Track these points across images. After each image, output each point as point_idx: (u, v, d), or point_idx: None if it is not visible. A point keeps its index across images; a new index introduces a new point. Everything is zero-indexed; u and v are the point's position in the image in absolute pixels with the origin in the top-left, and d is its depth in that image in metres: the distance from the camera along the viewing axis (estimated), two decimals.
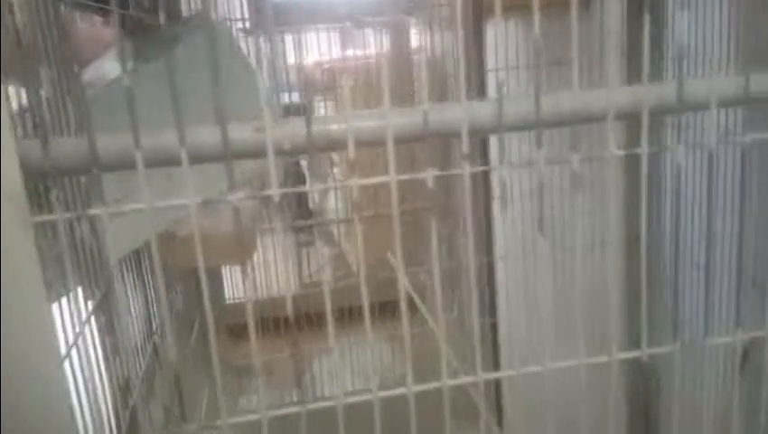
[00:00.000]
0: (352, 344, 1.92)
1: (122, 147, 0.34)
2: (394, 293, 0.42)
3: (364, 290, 0.39)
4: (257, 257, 2.10)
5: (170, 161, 0.35)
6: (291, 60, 1.97)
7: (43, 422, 0.36)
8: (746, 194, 0.39)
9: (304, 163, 2.19)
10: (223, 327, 1.73)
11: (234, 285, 1.95)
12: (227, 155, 0.35)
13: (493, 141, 1.29)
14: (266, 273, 2.02)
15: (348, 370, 1.97)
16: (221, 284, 1.72)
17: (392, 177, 0.35)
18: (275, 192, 0.34)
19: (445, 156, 1.41)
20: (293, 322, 0.38)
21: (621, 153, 0.37)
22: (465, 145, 0.36)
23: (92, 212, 0.31)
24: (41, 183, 0.34)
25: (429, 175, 0.35)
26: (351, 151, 0.36)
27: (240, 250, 0.89)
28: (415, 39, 1.96)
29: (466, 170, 0.35)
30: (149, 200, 0.31)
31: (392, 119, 0.39)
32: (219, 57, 0.36)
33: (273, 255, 2.07)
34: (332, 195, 2.44)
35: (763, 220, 0.48)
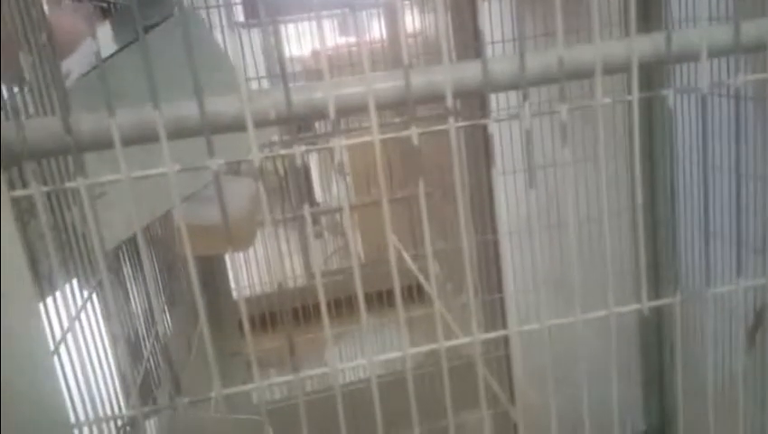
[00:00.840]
0: (362, 331, 1.92)
1: (98, 125, 0.34)
2: (403, 279, 0.41)
3: (357, 278, 0.38)
4: (263, 250, 2.10)
5: (149, 137, 0.35)
6: (290, 50, 1.96)
7: (36, 413, 0.36)
8: (742, 146, 0.38)
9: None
10: (234, 320, 1.73)
11: (243, 277, 1.95)
12: (204, 127, 0.35)
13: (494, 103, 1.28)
14: (273, 265, 2.02)
15: (359, 356, 1.97)
16: (227, 277, 1.72)
17: (375, 137, 0.34)
18: (255, 156, 0.33)
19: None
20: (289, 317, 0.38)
21: (608, 101, 0.36)
22: (449, 100, 0.35)
23: (69, 185, 0.30)
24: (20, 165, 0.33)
25: (414, 133, 0.34)
26: (332, 114, 0.35)
27: (238, 237, 0.88)
28: (411, 21, 1.95)
29: (452, 125, 0.34)
30: (126, 172, 0.30)
31: (375, 84, 0.38)
32: (191, 40, 0.35)
33: (278, 247, 2.06)
34: (334, 185, 2.43)
35: (760, 170, 0.47)
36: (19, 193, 0.30)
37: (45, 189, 0.29)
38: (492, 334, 0.36)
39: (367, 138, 0.34)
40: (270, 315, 1.91)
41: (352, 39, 2.03)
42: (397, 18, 2.08)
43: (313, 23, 1.93)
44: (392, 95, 0.39)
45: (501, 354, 1.30)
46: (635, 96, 0.35)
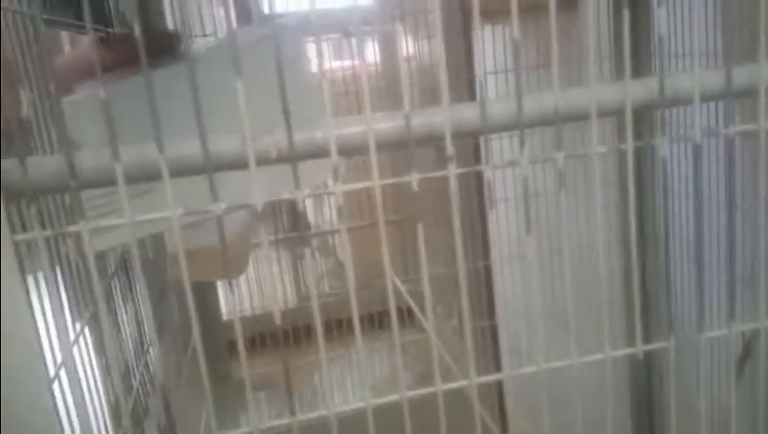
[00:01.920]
0: (353, 355, 1.91)
1: (100, 163, 0.34)
2: (395, 302, 0.41)
3: (354, 301, 0.38)
4: (254, 271, 2.10)
5: (151, 175, 0.35)
6: None
7: None
8: (734, 188, 0.39)
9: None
10: (223, 344, 1.71)
11: (232, 300, 1.94)
12: (208, 167, 0.35)
13: (495, 146, 1.29)
14: (263, 287, 2.01)
15: (349, 380, 1.96)
16: (218, 300, 1.71)
17: (376, 182, 0.35)
18: (258, 200, 0.33)
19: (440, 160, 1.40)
20: (283, 338, 0.38)
21: (603, 149, 0.36)
22: (449, 146, 0.35)
23: (72, 228, 0.30)
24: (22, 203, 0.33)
25: (414, 179, 0.35)
26: (334, 157, 0.35)
27: (232, 264, 0.88)
28: (405, 47, 1.97)
29: (451, 171, 0.35)
30: (129, 214, 0.31)
31: (375, 125, 0.39)
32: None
33: (269, 269, 2.06)
34: (327, 207, 2.43)
35: (752, 212, 0.47)
36: (21, 237, 0.30)
37: (47, 233, 0.29)
38: (489, 378, 0.36)
39: (368, 184, 0.35)
40: (260, 336, 1.90)
41: (347, 63, 2.05)
42: (391, 43, 2.11)
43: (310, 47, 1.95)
44: (392, 135, 0.40)
45: (493, 383, 1.30)
46: (630, 145, 0.36)
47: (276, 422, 0.35)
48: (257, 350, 1.89)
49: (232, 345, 1.65)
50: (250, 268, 1.96)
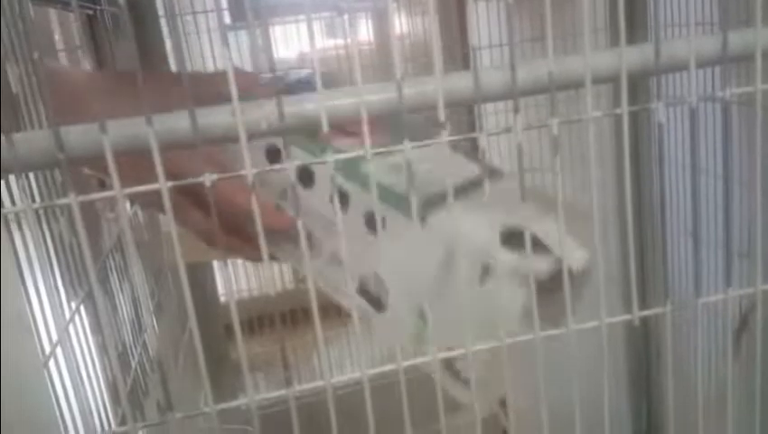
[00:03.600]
0: (351, 335, 1.92)
1: (88, 138, 0.33)
2: None
3: (349, 281, 0.38)
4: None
5: (140, 148, 0.35)
6: (277, 53, 1.95)
7: (27, 427, 0.36)
8: (730, 155, 0.39)
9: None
10: (221, 327, 1.72)
11: (231, 281, 1.94)
12: (197, 139, 0.34)
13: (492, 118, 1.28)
14: (260, 268, 2.01)
15: (348, 361, 1.97)
16: (214, 281, 1.71)
17: (368, 150, 0.34)
18: (248, 172, 0.33)
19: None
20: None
21: (599, 114, 0.36)
22: (441, 114, 0.35)
23: (61, 201, 0.30)
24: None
25: (407, 147, 0.34)
26: (325, 126, 0.35)
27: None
28: (399, 23, 1.95)
29: (444, 138, 0.34)
30: (118, 186, 0.30)
31: (366, 96, 0.38)
32: None
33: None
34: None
35: (748, 181, 0.47)
36: (9, 209, 0.29)
37: (35, 206, 0.29)
38: (485, 346, 0.36)
39: (359, 153, 0.34)
40: (258, 319, 1.90)
41: (340, 41, 2.03)
42: (385, 21, 2.08)
43: (301, 26, 1.93)
44: (384, 105, 0.40)
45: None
46: (625, 110, 0.36)
47: (274, 395, 0.35)
48: (255, 332, 1.89)
49: (230, 329, 1.66)
50: None
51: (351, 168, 0.49)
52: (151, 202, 0.46)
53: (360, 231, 0.49)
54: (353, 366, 1.94)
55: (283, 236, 0.53)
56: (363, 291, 0.50)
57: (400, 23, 1.89)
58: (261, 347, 1.84)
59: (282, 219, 0.52)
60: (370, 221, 0.50)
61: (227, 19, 2.11)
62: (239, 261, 2.02)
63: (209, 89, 0.38)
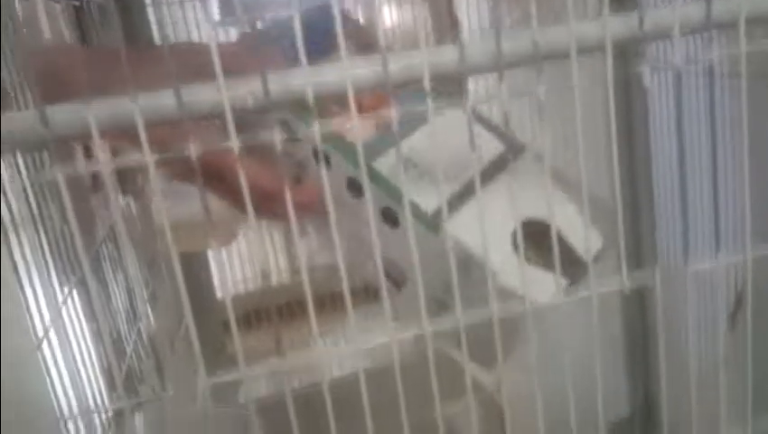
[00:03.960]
0: (347, 327, 1.92)
1: (73, 114, 0.33)
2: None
3: (343, 272, 0.38)
4: (246, 247, 2.09)
5: (125, 125, 0.35)
6: None
7: (22, 407, 0.36)
8: (716, 121, 0.39)
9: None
10: (218, 322, 1.72)
11: (226, 278, 1.93)
12: (183, 116, 0.34)
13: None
14: (256, 261, 2.01)
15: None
16: (210, 274, 1.71)
17: (355, 124, 0.34)
18: (234, 144, 0.33)
19: None
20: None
21: (585, 81, 0.36)
22: (427, 85, 0.35)
23: (48, 177, 0.30)
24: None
25: (394, 117, 0.34)
26: (310, 101, 0.35)
27: (221, 232, 0.88)
28: (389, 14, 1.94)
29: (430, 108, 0.35)
30: (106, 161, 0.30)
31: (352, 70, 0.38)
32: None
33: (262, 241, 2.05)
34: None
35: (736, 146, 0.47)
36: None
37: (21, 181, 0.29)
38: (476, 319, 0.36)
39: (347, 126, 0.34)
40: (254, 312, 1.90)
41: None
42: (373, 9, 2.08)
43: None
44: (370, 80, 0.40)
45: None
46: (610, 77, 0.36)
47: (267, 368, 0.35)
48: (250, 325, 1.89)
49: (226, 324, 1.65)
50: (242, 244, 1.95)
51: (367, 157, 0.48)
52: (182, 172, 0.46)
53: (376, 220, 0.48)
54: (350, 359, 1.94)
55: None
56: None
57: (390, 14, 1.89)
58: (257, 340, 1.84)
59: (307, 193, 0.50)
60: (386, 215, 0.50)
61: (215, 15, 2.10)
62: (234, 254, 2.01)
63: (199, 58, 0.38)
